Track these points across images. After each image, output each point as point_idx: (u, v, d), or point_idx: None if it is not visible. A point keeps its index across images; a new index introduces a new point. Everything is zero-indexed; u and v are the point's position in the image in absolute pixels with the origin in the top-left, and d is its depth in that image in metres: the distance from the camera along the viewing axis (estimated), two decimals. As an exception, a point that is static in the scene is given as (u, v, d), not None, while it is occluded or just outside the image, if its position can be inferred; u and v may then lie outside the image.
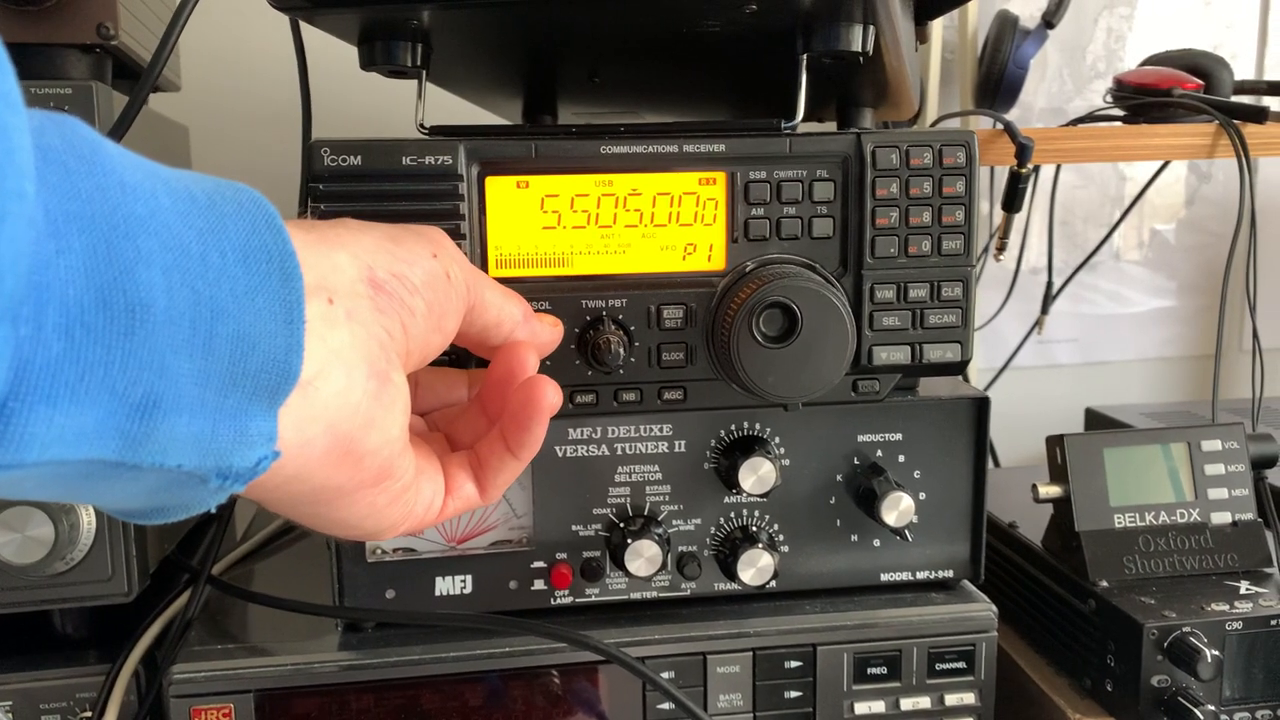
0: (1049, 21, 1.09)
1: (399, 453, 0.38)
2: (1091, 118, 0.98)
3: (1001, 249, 0.91)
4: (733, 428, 0.60)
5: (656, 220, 0.56)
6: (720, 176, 0.56)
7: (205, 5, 0.57)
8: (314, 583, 0.64)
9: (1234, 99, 0.91)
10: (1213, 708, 0.61)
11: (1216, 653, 0.59)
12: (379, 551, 0.59)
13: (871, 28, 0.55)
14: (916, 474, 0.62)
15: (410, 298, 0.37)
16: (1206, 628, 0.61)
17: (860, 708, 0.62)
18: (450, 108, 0.80)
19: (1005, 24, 1.09)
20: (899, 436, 0.62)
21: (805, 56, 0.56)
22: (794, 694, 0.61)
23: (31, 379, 0.25)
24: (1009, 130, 0.84)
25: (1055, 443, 0.69)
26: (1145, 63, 1.00)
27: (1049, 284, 1.19)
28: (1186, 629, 0.61)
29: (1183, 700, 0.60)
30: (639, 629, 0.60)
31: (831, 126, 0.74)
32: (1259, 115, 0.83)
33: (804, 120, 0.57)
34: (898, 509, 0.60)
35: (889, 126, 0.85)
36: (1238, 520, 0.68)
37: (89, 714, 0.59)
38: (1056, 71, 1.23)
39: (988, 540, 0.64)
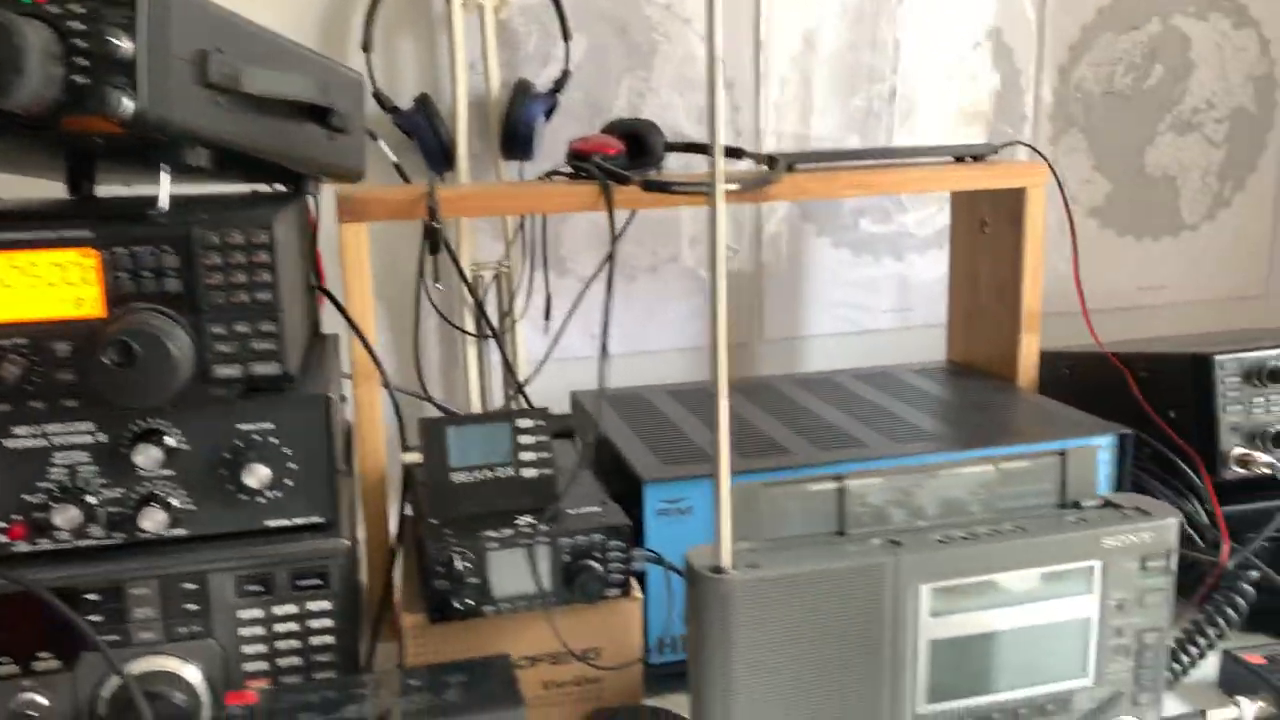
0: (557, 88, 1.39)
1: None
2: (553, 174, 1.27)
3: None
4: (139, 423, 0.86)
5: (51, 282, 0.81)
6: (95, 254, 0.81)
7: None
8: None
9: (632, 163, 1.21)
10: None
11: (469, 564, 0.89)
12: None
13: (206, 150, 0.81)
14: (287, 450, 0.89)
15: None
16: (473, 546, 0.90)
17: (245, 615, 0.88)
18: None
19: (519, 90, 1.38)
20: (271, 425, 0.88)
21: (162, 167, 0.81)
22: (192, 607, 0.87)
23: None
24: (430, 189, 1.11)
25: (422, 424, 0.97)
26: (604, 129, 1.30)
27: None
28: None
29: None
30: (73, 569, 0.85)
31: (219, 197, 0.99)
32: (624, 180, 1.13)
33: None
34: (257, 475, 0.86)
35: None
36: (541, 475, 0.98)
37: None
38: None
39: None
